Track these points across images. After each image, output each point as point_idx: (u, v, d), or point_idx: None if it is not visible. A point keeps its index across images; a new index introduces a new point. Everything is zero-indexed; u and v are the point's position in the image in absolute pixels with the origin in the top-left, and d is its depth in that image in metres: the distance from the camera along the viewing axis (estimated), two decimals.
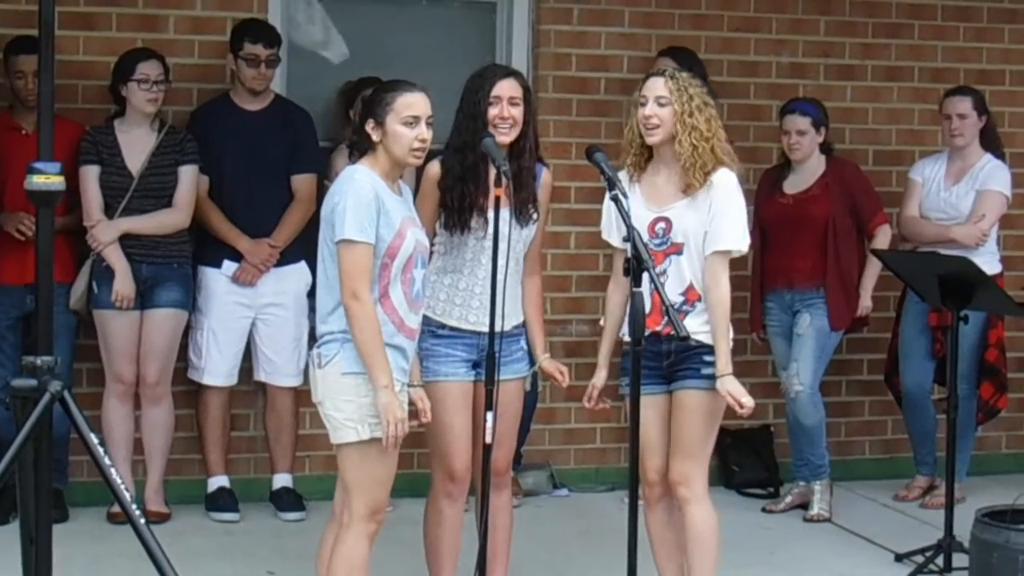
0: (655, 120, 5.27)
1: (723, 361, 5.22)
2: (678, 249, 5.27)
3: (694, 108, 5.24)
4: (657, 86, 5.30)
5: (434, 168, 5.39)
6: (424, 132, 4.96)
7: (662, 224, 5.29)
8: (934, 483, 7.68)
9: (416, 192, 5.38)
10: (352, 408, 4.84)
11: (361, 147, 5.04)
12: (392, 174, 5.01)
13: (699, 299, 5.28)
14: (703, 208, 5.26)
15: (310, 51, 7.78)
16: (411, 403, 5.05)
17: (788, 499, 7.58)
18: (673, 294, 5.17)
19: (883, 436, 8.34)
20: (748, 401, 5.20)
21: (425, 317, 5.16)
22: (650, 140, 5.31)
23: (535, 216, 5.47)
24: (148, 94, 6.86)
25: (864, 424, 8.34)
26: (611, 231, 5.42)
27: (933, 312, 7.42)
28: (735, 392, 5.19)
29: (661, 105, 5.26)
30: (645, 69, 6.82)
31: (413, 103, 4.95)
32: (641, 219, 5.22)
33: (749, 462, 7.98)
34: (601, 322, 5.59)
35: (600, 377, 5.51)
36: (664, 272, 5.21)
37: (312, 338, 5.15)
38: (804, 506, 7.49)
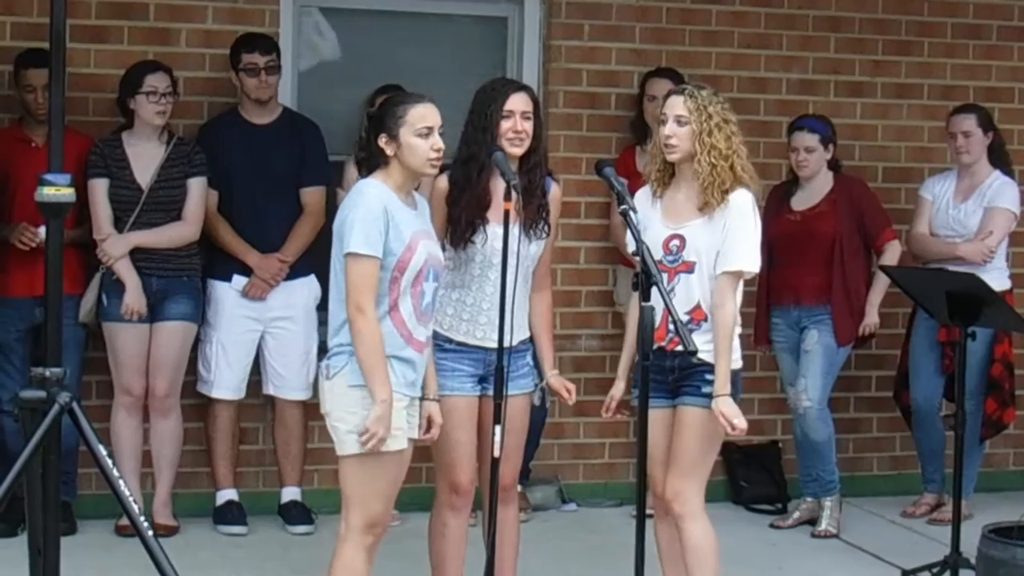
0: (674, 140, 5.29)
1: (720, 381, 5.22)
2: (689, 267, 5.29)
3: (713, 127, 5.26)
4: (677, 105, 5.32)
5: (442, 183, 5.39)
6: (438, 142, 4.97)
7: (676, 241, 5.30)
8: (942, 500, 7.67)
9: None
10: (356, 420, 4.84)
11: (371, 163, 5.04)
12: (406, 186, 5.01)
13: (705, 319, 5.28)
14: (718, 227, 5.27)
15: (320, 64, 7.78)
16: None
17: (796, 515, 7.57)
18: (680, 312, 5.10)
19: (891, 452, 8.33)
20: (740, 423, 5.21)
21: (432, 331, 5.16)
22: (670, 158, 5.34)
23: (546, 231, 5.47)
24: (156, 106, 6.86)
25: (872, 440, 8.33)
26: (631, 245, 5.42)
27: (943, 327, 7.42)
28: (728, 413, 5.19)
29: (681, 124, 5.29)
30: None
31: (426, 114, 4.97)
32: (657, 235, 5.27)
33: (757, 478, 7.97)
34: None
35: (619, 388, 5.52)
36: (672, 290, 5.20)
37: (322, 351, 5.16)
38: (812, 522, 7.48)
